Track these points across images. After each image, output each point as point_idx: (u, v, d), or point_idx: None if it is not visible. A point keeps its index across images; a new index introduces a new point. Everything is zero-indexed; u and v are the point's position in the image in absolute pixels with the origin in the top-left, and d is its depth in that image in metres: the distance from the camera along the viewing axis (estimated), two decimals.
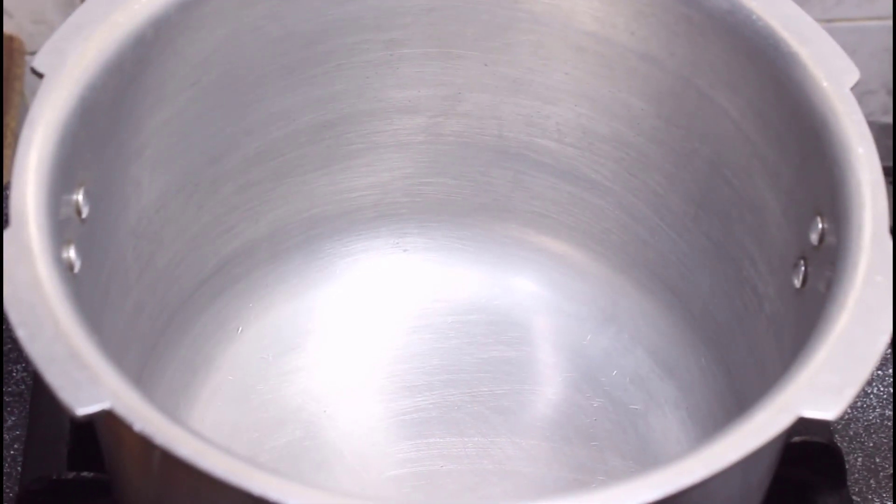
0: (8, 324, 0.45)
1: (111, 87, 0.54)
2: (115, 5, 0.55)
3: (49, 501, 0.61)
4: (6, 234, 0.47)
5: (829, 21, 0.98)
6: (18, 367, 0.68)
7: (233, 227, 0.66)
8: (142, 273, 0.60)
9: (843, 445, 0.66)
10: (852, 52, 0.96)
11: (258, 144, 0.65)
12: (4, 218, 0.52)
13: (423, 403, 0.67)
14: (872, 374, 0.54)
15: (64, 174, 0.51)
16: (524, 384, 0.67)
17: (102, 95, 0.53)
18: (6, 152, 0.88)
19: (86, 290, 0.52)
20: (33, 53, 0.58)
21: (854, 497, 0.64)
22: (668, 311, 0.68)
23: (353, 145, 0.68)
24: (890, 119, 1.06)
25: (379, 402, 0.67)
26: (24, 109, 0.92)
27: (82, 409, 0.43)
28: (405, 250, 0.72)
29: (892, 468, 0.66)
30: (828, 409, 0.45)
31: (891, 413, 0.68)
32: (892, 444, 0.66)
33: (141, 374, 0.61)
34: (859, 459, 0.66)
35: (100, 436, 0.53)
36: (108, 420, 0.43)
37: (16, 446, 0.65)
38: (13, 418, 0.66)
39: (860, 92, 0.53)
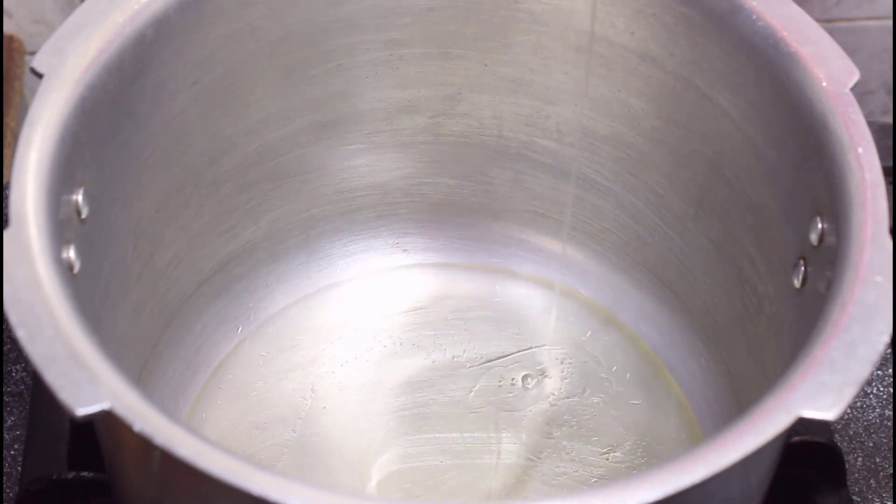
0: (8, 324, 0.45)
1: (111, 87, 0.54)
2: (115, 5, 0.55)
3: (49, 501, 0.61)
4: (6, 234, 0.47)
5: (829, 21, 0.98)
6: (18, 367, 0.68)
7: (233, 227, 0.66)
8: (142, 273, 0.60)
9: (843, 445, 0.66)
10: (852, 52, 0.96)
11: (258, 144, 0.65)
12: (4, 218, 0.52)
13: (422, 399, 0.67)
14: (872, 374, 0.54)
15: (64, 174, 0.51)
16: (524, 380, 0.67)
17: (102, 95, 0.54)
18: (6, 152, 0.88)
19: (86, 290, 0.52)
20: (33, 53, 0.58)
21: (854, 497, 0.64)
22: (668, 311, 0.68)
23: (353, 145, 0.68)
24: (890, 119, 1.06)
25: (378, 399, 0.67)
26: (24, 109, 0.92)
27: (82, 409, 0.43)
28: (405, 250, 0.72)
29: (892, 468, 0.66)
30: (828, 409, 0.45)
31: (891, 413, 0.68)
32: (892, 444, 0.66)
33: (141, 374, 0.61)
34: (859, 459, 0.66)
35: (100, 436, 0.53)
36: (108, 420, 0.43)
37: (16, 446, 0.65)
38: (13, 418, 0.66)
39: (860, 92, 0.53)
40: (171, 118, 0.59)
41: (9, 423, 0.66)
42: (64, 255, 0.50)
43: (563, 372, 0.68)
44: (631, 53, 0.62)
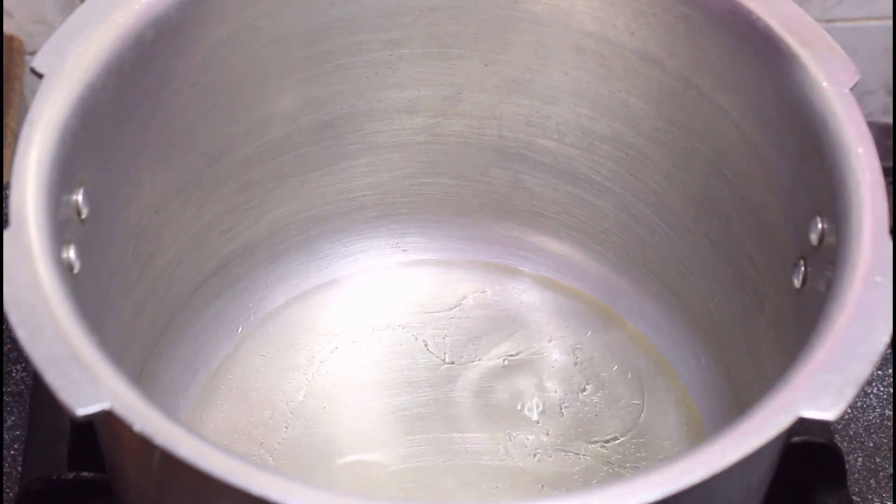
0: (8, 324, 0.45)
1: (111, 87, 0.54)
2: (115, 5, 0.55)
3: (49, 501, 0.61)
4: (6, 234, 0.47)
5: (829, 21, 0.98)
6: (18, 367, 0.68)
7: (233, 227, 0.66)
8: (142, 273, 0.60)
9: (843, 445, 0.66)
10: (852, 52, 0.96)
11: (258, 144, 0.65)
12: (4, 218, 0.52)
13: (422, 399, 0.67)
14: (872, 374, 0.54)
15: (64, 174, 0.51)
16: (524, 380, 0.67)
17: (102, 95, 0.54)
18: (6, 152, 0.88)
19: (86, 290, 0.52)
20: (33, 53, 0.58)
21: (854, 497, 0.64)
22: (668, 311, 0.68)
23: (353, 145, 0.68)
24: (890, 119, 1.06)
25: (378, 399, 0.67)
26: (24, 109, 0.92)
27: (82, 409, 0.43)
28: (405, 250, 0.72)
29: (892, 468, 0.66)
30: (828, 409, 0.45)
31: (891, 413, 0.68)
32: (892, 444, 0.66)
33: (141, 374, 0.61)
34: (859, 459, 0.66)
35: (100, 436, 0.53)
36: (108, 420, 0.43)
37: (16, 446, 0.65)
38: (13, 418, 0.66)
39: (860, 92, 0.53)
40: (171, 118, 0.59)
41: (9, 423, 0.66)
42: (64, 255, 0.50)
43: (563, 372, 0.68)
44: (631, 53, 0.62)
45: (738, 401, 0.62)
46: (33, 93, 0.53)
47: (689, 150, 0.63)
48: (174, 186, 0.61)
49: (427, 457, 0.64)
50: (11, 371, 0.68)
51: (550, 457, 0.64)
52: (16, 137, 0.88)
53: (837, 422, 0.67)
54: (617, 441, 0.65)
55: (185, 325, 0.66)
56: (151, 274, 0.61)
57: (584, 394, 0.67)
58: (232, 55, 0.61)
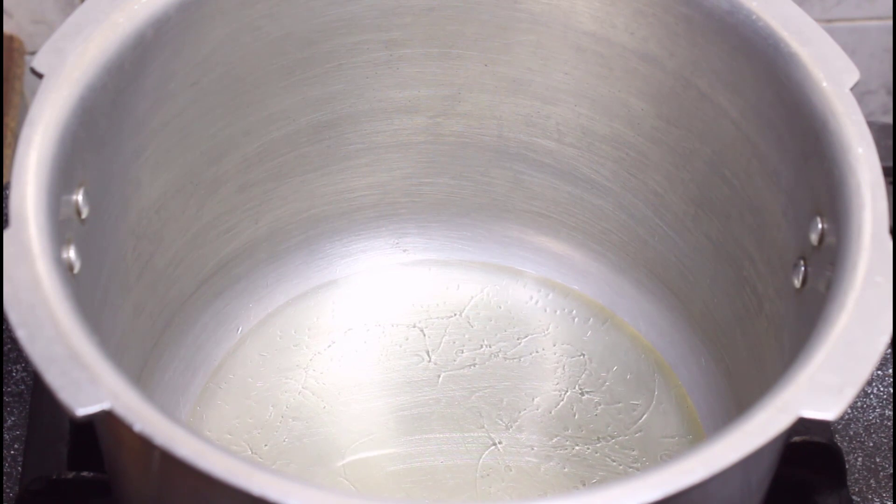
0: (8, 324, 0.45)
1: (111, 87, 0.54)
2: (115, 5, 0.55)
3: (49, 501, 0.61)
4: (6, 234, 0.47)
5: (829, 21, 0.98)
6: (18, 367, 0.68)
7: (233, 227, 0.66)
8: (142, 273, 0.60)
9: (843, 445, 0.66)
10: (852, 52, 0.96)
11: (258, 144, 0.65)
12: (4, 218, 0.52)
13: (422, 399, 0.67)
14: (872, 374, 0.54)
15: (64, 174, 0.51)
16: (523, 380, 0.67)
17: (102, 95, 0.54)
18: (6, 152, 0.88)
19: (86, 290, 0.52)
20: (33, 53, 0.58)
21: (854, 497, 0.64)
22: (668, 311, 0.68)
23: (353, 145, 0.68)
24: (890, 119, 1.06)
25: (378, 398, 0.67)
26: (24, 109, 0.92)
27: (82, 410, 0.43)
28: (405, 250, 0.72)
29: (892, 468, 0.66)
30: (828, 409, 0.45)
31: (891, 413, 0.68)
32: (892, 444, 0.66)
33: (141, 374, 0.61)
34: (859, 459, 0.66)
35: (100, 436, 0.53)
36: (108, 420, 0.43)
37: (16, 446, 0.65)
38: (13, 418, 0.66)
39: (860, 92, 0.53)
40: (171, 118, 0.59)
41: (9, 423, 0.66)
42: (64, 255, 0.50)
43: (562, 372, 0.68)
44: (631, 53, 0.62)
45: (738, 401, 0.62)
46: (33, 93, 0.53)
47: (689, 150, 0.63)
48: (174, 186, 0.61)
49: (426, 457, 0.64)
50: (11, 371, 0.68)
51: (550, 457, 0.64)
52: (16, 137, 0.88)
53: (837, 422, 0.67)
54: (617, 441, 0.65)
55: (185, 325, 0.66)
56: (151, 274, 0.61)
57: (584, 394, 0.67)
58: (232, 55, 0.61)
